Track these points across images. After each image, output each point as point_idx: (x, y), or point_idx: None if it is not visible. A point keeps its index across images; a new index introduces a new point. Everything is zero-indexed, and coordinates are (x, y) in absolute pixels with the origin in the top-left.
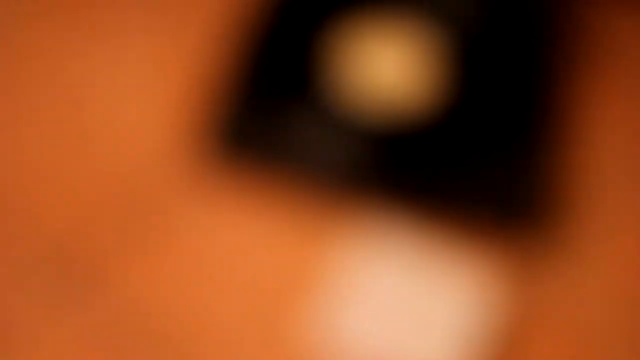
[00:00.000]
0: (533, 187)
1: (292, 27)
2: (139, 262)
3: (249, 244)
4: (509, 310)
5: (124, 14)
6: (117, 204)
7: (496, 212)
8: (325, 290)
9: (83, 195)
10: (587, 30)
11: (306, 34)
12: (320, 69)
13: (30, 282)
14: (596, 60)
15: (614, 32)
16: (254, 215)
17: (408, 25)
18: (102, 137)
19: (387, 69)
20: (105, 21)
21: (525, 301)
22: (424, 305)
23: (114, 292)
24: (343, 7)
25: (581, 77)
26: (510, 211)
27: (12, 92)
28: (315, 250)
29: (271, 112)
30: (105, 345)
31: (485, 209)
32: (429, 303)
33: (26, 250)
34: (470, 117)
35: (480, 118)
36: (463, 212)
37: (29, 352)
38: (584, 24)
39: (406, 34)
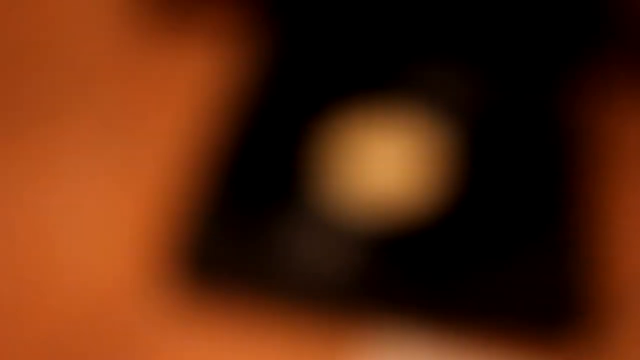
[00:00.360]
0: (561, 287)
1: (273, 125)
2: None
3: None
4: None
5: (79, 138)
6: (78, 341)
7: (522, 318)
8: None
9: (40, 333)
10: (600, 126)
11: (289, 132)
12: (308, 170)
13: None
14: (611, 156)
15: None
16: (240, 347)
17: (406, 116)
18: (60, 269)
19: (384, 165)
20: (59, 147)
21: None
22: None
23: None
24: (331, 99)
25: (597, 170)
26: (539, 316)
27: None
28: None
29: (252, 226)
30: None
31: (508, 315)
32: None
33: None
34: (481, 214)
35: (492, 214)
36: (484, 320)
37: None
38: (596, 120)
39: (404, 126)
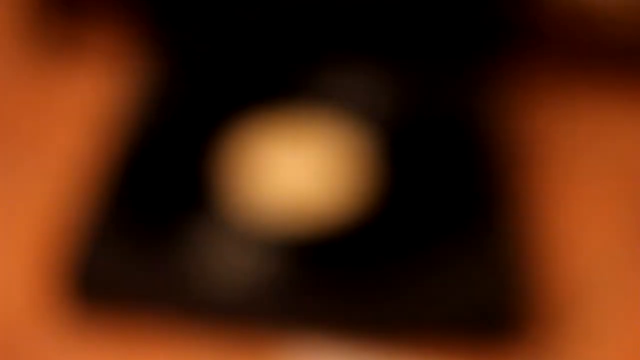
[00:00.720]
0: (497, 291)
1: (175, 138)
2: None
3: None
4: None
5: None
6: None
7: (456, 325)
8: None
9: None
10: (526, 122)
11: (193, 144)
12: (215, 181)
13: None
14: (541, 151)
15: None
16: None
17: (318, 122)
18: None
19: (297, 172)
20: None
21: None
22: None
23: None
24: (238, 108)
25: (527, 167)
26: (475, 323)
27: None
28: None
29: (159, 241)
30: None
31: (441, 322)
32: None
33: None
34: (405, 217)
35: (417, 216)
36: (413, 329)
37: None
38: (521, 116)
39: (316, 132)
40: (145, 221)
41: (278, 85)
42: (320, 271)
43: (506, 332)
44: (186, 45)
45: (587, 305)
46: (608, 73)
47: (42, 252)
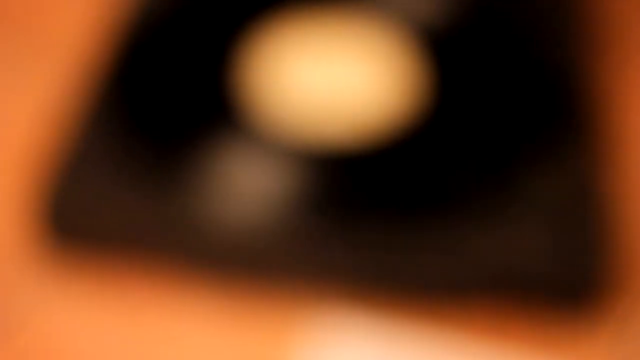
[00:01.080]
0: (570, 246)
1: (190, 35)
2: None
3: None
4: None
5: None
6: None
7: (517, 290)
8: None
9: None
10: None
11: (213, 42)
12: (238, 89)
13: None
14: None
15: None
16: (133, 313)
17: (354, 25)
18: None
19: (330, 80)
20: None
21: None
22: None
23: None
24: (268, 5)
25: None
26: (540, 288)
27: None
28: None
29: (161, 163)
30: None
31: (494, 284)
32: None
33: None
34: (457, 136)
35: (472, 136)
36: (463, 289)
37: None
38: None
39: (352, 37)
40: (148, 140)
41: None
42: (354, 203)
43: (578, 302)
44: None
45: None
46: None
47: (20, 173)
